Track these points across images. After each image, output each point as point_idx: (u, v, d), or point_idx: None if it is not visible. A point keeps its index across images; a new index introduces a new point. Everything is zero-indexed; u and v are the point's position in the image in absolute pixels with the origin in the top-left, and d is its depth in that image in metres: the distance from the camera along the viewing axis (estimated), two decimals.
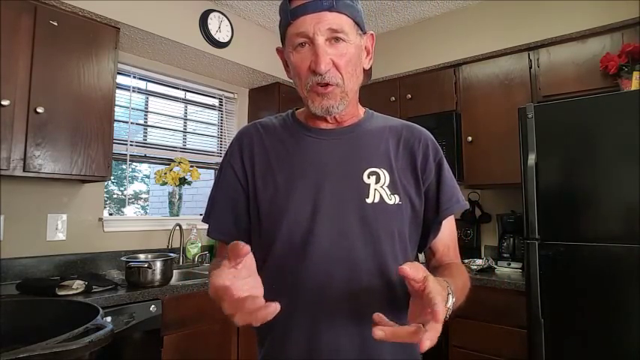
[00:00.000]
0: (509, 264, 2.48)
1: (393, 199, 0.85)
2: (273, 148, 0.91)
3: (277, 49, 0.93)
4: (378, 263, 0.83)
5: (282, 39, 0.88)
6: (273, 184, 0.87)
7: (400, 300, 0.83)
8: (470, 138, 2.59)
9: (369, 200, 0.84)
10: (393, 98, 2.93)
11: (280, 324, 0.76)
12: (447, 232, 0.93)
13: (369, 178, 0.85)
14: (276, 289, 0.81)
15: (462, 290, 0.80)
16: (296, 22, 0.81)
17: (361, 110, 0.97)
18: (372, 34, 0.90)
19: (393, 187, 0.86)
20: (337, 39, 0.81)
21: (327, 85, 0.82)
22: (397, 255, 0.85)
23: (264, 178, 0.89)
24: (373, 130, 0.93)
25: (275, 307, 0.58)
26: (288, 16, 0.82)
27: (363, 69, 0.89)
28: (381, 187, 0.85)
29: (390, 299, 0.83)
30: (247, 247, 0.60)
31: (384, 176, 0.86)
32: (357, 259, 0.82)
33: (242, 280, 0.62)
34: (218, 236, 0.94)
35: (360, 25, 0.85)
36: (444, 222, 0.90)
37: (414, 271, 0.62)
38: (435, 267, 0.93)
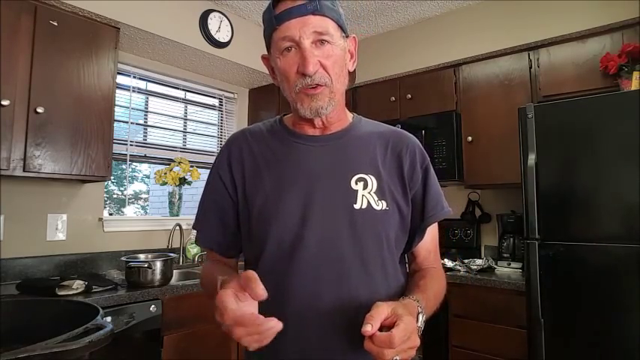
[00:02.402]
0: (509, 264, 2.48)
1: (380, 205, 0.86)
2: (262, 155, 0.92)
3: (262, 57, 0.94)
4: (366, 268, 0.84)
5: (268, 46, 0.89)
6: (263, 191, 0.88)
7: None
8: (470, 138, 2.59)
9: (356, 206, 0.85)
10: (393, 98, 2.93)
11: None
12: (430, 237, 0.95)
13: (356, 184, 0.86)
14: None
15: (435, 299, 0.86)
16: (281, 27, 0.82)
17: (349, 115, 0.97)
18: (354, 37, 0.91)
19: (381, 193, 0.87)
20: (323, 41, 0.82)
21: (316, 86, 0.83)
22: (385, 260, 0.87)
23: (254, 185, 0.90)
24: (361, 135, 0.94)
25: (277, 324, 0.64)
26: (273, 21, 0.83)
27: (348, 72, 0.91)
28: (369, 193, 0.86)
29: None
30: (264, 294, 0.65)
31: (372, 182, 0.87)
32: (345, 265, 0.83)
33: (245, 305, 0.67)
34: (206, 245, 0.98)
35: (342, 28, 0.87)
36: (428, 228, 0.92)
37: (378, 316, 0.67)
38: (414, 270, 0.96)
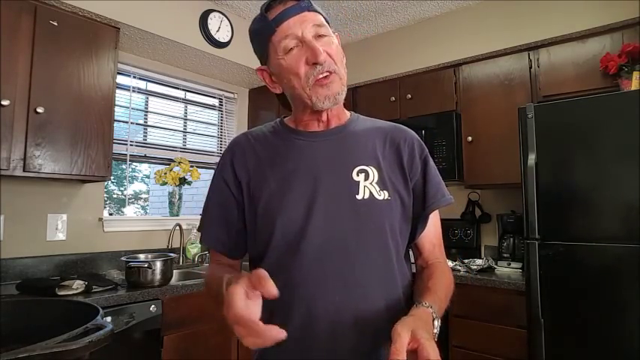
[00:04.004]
0: (509, 264, 2.48)
1: (382, 195, 0.88)
2: (265, 154, 0.94)
3: (258, 70, 0.95)
4: (371, 258, 0.86)
5: (265, 55, 0.91)
6: (267, 188, 0.90)
7: (392, 293, 0.87)
8: (470, 138, 2.59)
9: (359, 197, 0.86)
10: (393, 98, 2.93)
11: (276, 321, 0.78)
12: (433, 228, 0.96)
13: (358, 175, 0.88)
14: None
15: (446, 296, 0.86)
16: (281, 28, 0.85)
17: (347, 113, 1.00)
18: (337, 35, 0.95)
19: (382, 184, 0.89)
20: (321, 34, 0.87)
21: (328, 74, 0.86)
22: (389, 249, 0.88)
23: (258, 184, 0.91)
24: (361, 130, 0.96)
25: (278, 333, 0.64)
26: (272, 25, 0.86)
27: None
28: (370, 183, 0.88)
29: (383, 292, 0.86)
30: (276, 292, 0.65)
31: (373, 173, 0.89)
32: (350, 255, 0.84)
33: (252, 304, 0.67)
34: (210, 244, 0.99)
35: (329, 25, 0.91)
36: (430, 217, 0.94)
37: (402, 348, 0.64)
38: (421, 267, 0.97)
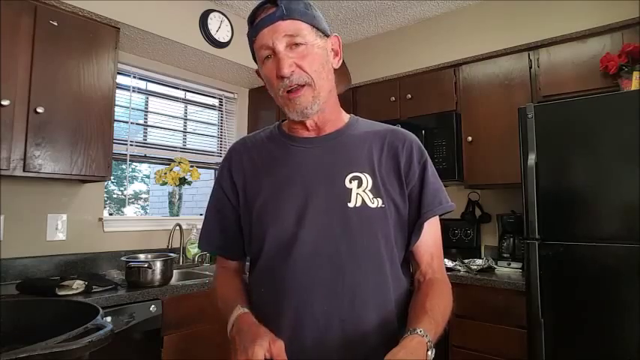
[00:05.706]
0: (509, 264, 2.48)
1: (375, 203, 0.86)
2: (261, 160, 0.95)
3: (256, 71, 0.96)
4: (361, 266, 0.85)
5: (255, 59, 0.92)
6: (262, 194, 0.91)
7: (384, 303, 0.86)
8: (470, 138, 2.59)
9: (350, 205, 0.85)
10: (393, 98, 2.93)
11: (267, 326, 0.79)
12: (432, 238, 0.93)
13: (350, 182, 0.87)
14: (265, 292, 0.87)
15: (443, 321, 0.82)
16: (257, 37, 0.86)
17: (345, 117, 0.99)
18: (336, 36, 0.93)
19: (376, 191, 0.87)
20: (296, 43, 0.84)
21: (297, 88, 0.84)
22: (382, 257, 0.87)
23: (254, 189, 0.93)
24: (357, 135, 0.94)
25: None
26: (253, 32, 0.87)
27: (335, 70, 0.92)
28: (364, 191, 0.87)
29: (374, 302, 0.85)
30: None
31: (367, 180, 0.88)
32: (340, 262, 0.84)
33: None
34: (207, 248, 1.03)
35: (319, 29, 0.88)
36: (427, 226, 0.90)
37: None
38: (418, 282, 0.93)
